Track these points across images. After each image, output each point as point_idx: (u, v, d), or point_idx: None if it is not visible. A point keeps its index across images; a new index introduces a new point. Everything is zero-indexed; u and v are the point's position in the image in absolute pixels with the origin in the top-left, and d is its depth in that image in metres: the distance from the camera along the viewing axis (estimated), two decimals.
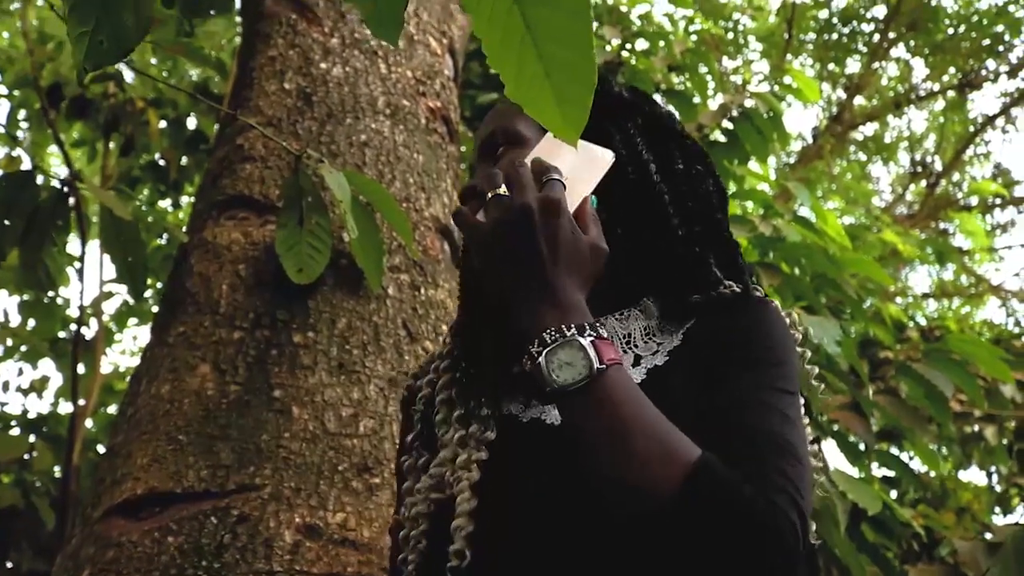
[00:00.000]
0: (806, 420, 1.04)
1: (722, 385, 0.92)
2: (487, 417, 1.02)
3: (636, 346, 1.03)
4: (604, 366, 0.85)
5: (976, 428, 4.64)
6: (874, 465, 3.63)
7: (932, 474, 4.58)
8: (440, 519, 1.01)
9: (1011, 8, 10.68)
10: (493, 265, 0.93)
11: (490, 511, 0.96)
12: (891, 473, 3.90)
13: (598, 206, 1.01)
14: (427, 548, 1.02)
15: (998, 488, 5.25)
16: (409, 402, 1.19)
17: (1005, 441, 4.58)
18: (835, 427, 3.11)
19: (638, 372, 0.99)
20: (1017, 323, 11.02)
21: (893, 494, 4.16)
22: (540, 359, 0.86)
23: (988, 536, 4.00)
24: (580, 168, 0.99)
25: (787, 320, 1.04)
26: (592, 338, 0.87)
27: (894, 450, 4.08)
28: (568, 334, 0.87)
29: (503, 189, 0.95)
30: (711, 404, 0.91)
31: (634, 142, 1.09)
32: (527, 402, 1.03)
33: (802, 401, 1.02)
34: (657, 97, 4.15)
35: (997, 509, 5.18)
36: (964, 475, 5.44)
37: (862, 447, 3.17)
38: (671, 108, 1.17)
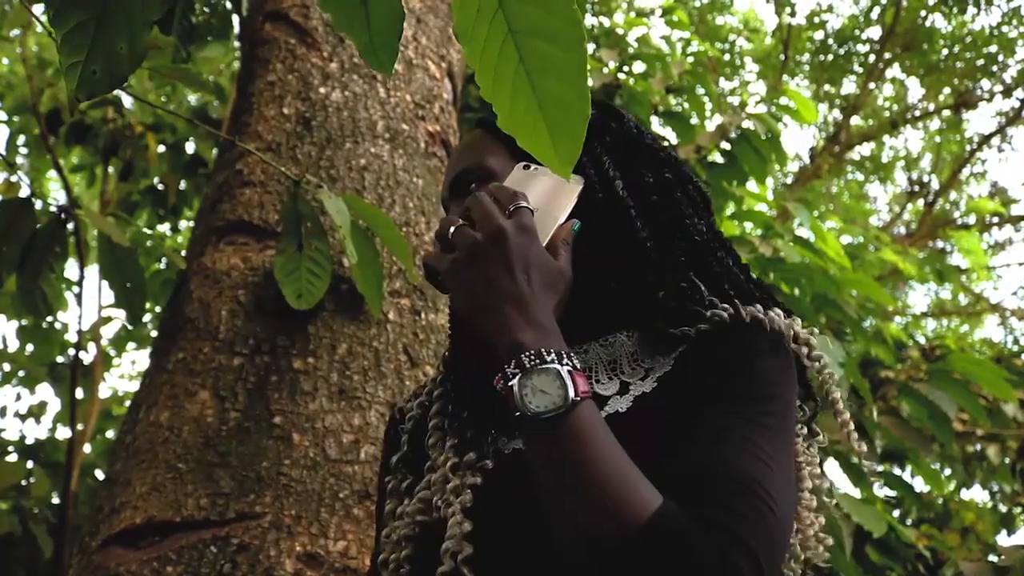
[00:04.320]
0: (811, 446, 1.01)
1: (698, 419, 0.88)
2: (483, 446, 1.00)
3: (623, 372, 1.00)
4: (579, 399, 0.83)
5: (978, 447, 4.62)
6: (875, 484, 3.61)
7: (935, 493, 4.56)
8: (425, 543, 0.98)
9: (1005, 28, 10.75)
10: (469, 293, 0.91)
11: (477, 540, 0.93)
12: (893, 493, 3.88)
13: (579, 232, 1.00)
14: (409, 573, 0.99)
15: (1002, 508, 5.22)
16: (397, 422, 1.17)
17: (1008, 460, 4.56)
18: (837, 448, 3.09)
19: (624, 400, 0.96)
20: (1016, 341, 11.03)
21: (895, 514, 4.13)
22: (514, 382, 0.84)
23: (993, 557, 3.98)
24: (550, 197, 0.99)
25: (796, 339, 0.99)
26: (569, 367, 0.84)
27: (896, 470, 4.06)
28: (548, 359, 0.84)
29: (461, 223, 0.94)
30: (684, 439, 0.87)
31: (601, 161, 1.07)
32: (509, 434, 1.00)
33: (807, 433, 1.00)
34: (655, 119, 4.18)
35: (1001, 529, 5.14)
36: (966, 494, 5.42)
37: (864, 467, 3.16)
38: (635, 120, 1.14)
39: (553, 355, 0.84)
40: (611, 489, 0.79)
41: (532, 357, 0.84)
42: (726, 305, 0.99)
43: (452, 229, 0.93)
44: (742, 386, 0.91)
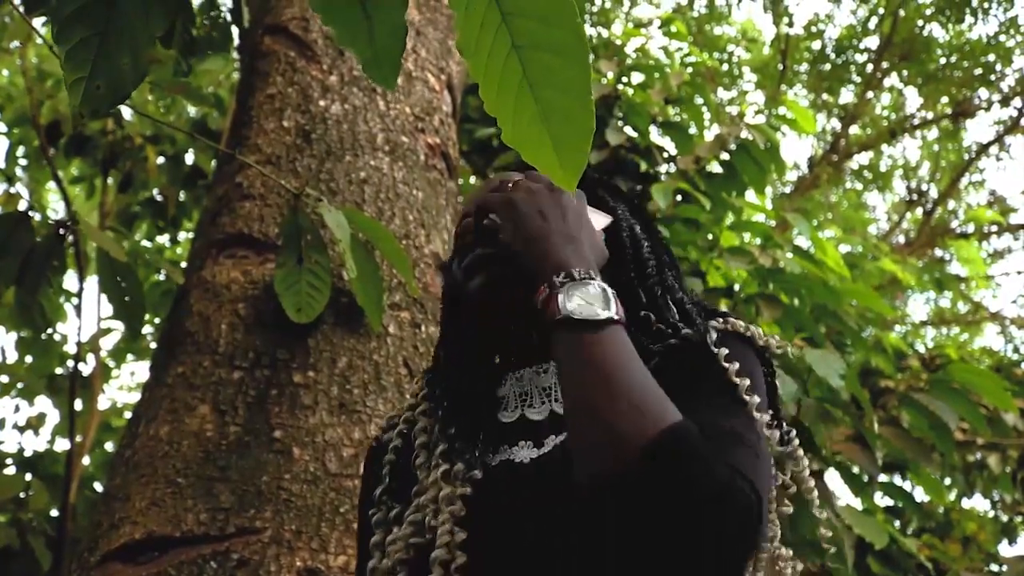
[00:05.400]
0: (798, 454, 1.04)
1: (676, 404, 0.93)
2: (472, 457, 1.01)
3: (557, 400, 1.04)
4: (617, 318, 0.90)
5: (979, 457, 4.62)
6: (877, 494, 3.61)
7: (936, 503, 4.55)
8: (419, 566, 0.97)
9: (1002, 38, 10.78)
10: (524, 225, 0.99)
11: (466, 551, 0.94)
12: (893, 503, 3.87)
13: None
14: None
15: (1003, 517, 5.21)
16: (377, 454, 1.15)
17: (1008, 469, 4.56)
18: (838, 459, 3.08)
19: None
20: (1016, 350, 11.02)
21: (896, 524, 4.12)
22: (561, 289, 0.91)
23: (995, 567, 3.97)
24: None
25: (759, 344, 1.05)
26: (614, 293, 0.92)
27: (896, 480, 4.05)
28: (595, 279, 0.93)
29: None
30: None
31: (624, 213, 1.18)
32: (495, 448, 1.02)
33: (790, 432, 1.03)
34: (654, 130, 4.18)
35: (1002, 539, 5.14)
36: (967, 504, 5.41)
37: (865, 478, 3.15)
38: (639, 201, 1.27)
39: (600, 279, 0.94)
40: (635, 395, 0.85)
41: (582, 272, 0.93)
42: (695, 327, 1.06)
43: (516, 180, 1.05)
44: (713, 382, 0.97)
